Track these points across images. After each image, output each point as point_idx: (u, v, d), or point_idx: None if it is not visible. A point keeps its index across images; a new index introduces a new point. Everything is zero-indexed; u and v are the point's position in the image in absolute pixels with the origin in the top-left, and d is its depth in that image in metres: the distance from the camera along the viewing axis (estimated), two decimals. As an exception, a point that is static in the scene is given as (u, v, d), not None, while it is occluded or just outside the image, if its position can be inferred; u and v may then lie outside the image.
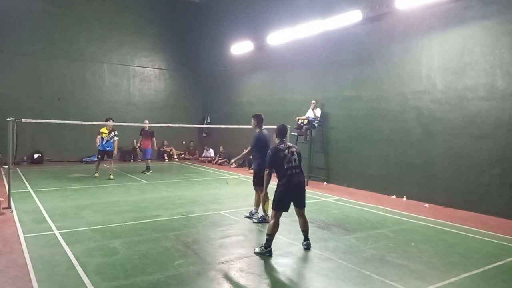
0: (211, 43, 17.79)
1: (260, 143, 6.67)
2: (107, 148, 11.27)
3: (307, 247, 5.28)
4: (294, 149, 5.31)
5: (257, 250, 5.04)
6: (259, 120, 6.79)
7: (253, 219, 6.74)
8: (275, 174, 5.29)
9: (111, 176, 11.24)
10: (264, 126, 6.95)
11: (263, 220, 6.61)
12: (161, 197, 8.82)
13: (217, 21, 17.27)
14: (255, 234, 6.06)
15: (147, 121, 13.05)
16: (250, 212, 6.99)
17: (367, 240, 5.75)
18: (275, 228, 5.05)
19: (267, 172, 5.41)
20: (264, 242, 5.03)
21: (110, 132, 11.24)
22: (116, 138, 11.35)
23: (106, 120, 11.25)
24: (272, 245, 5.41)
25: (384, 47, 9.82)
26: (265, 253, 4.96)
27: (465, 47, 8.09)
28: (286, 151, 5.20)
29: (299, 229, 6.37)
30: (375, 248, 5.41)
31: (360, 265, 4.71)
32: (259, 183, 6.31)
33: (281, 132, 5.46)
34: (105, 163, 11.85)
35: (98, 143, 11.29)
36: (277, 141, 5.43)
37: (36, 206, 7.56)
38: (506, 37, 7.46)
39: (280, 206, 5.09)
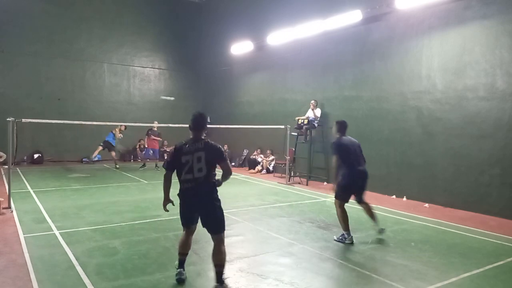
0: (211, 43, 17.79)
1: (341, 150, 5.75)
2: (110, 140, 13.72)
3: None
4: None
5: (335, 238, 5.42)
6: (341, 126, 5.89)
7: (334, 237, 5.79)
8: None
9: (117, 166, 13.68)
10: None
11: (342, 240, 5.61)
12: (161, 197, 8.78)
13: (217, 21, 17.27)
14: (255, 235, 6.05)
15: (156, 122, 13.48)
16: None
17: (367, 240, 5.75)
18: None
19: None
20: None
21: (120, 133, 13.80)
22: (119, 138, 13.90)
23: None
24: (272, 245, 5.43)
25: (384, 47, 9.82)
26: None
27: (465, 47, 8.09)
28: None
29: (299, 229, 6.38)
30: (375, 248, 5.41)
31: (360, 265, 4.71)
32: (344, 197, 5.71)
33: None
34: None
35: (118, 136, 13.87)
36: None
37: (36, 206, 7.56)
38: (506, 37, 7.46)
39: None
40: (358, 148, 5.90)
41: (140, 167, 13.87)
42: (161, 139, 14.43)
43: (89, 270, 4.33)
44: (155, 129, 13.71)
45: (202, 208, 3.94)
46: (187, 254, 4.19)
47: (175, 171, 4.00)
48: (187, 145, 3.94)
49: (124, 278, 4.18)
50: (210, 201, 3.92)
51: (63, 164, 14.48)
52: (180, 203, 4.01)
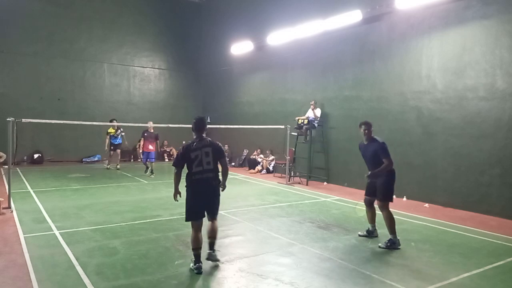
0: (211, 43, 17.79)
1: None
2: (116, 142, 13.64)
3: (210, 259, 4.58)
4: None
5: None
6: (370, 127, 5.86)
7: (380, 245, 5.48)
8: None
9: (118, 167, 13.57)
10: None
11: (392, 245, 5.40)
12: (161, 197, 8.82)
13: (217, 21, 17.28)
14: (255, 235, 6.06)
15: (151, 123, 12.13)
16: (367, 230, 5.90)
17: (367, 240, 5.75)
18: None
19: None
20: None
21: (116, 130, 13.49)
22: (122, 134, 13.66)
23: (111, 121, 13.24)
24: (272, 245, 5.42)
25: (384, 47, 9.82)
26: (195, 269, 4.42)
27: (465, 47, 8.09)
28: None
29: (299, 229, 6.38)
30: (375, 248, 5.41)
31: (360, 265, 4.71)
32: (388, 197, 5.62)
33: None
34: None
35: (107, 142, 13.55)
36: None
37: (36, 206, 7.56)
38: (506, 37, 7.46)
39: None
40: None
41: (145, 172, 12.27)
42: (158, 142, 12.64)
43: (89, 270, 4.33)
44: (151, 130, 12.06)
45: (210, 197, 4.60)
46: (201, 248, 4.52)
47: (186, 166, 4.55)
48: (194, 143, 4.59)
49: (124, 278, 4.18)
50: (216, 192, 4.65)
51: (63, 164, 14.48)
52: (188, 197, 4.53)
